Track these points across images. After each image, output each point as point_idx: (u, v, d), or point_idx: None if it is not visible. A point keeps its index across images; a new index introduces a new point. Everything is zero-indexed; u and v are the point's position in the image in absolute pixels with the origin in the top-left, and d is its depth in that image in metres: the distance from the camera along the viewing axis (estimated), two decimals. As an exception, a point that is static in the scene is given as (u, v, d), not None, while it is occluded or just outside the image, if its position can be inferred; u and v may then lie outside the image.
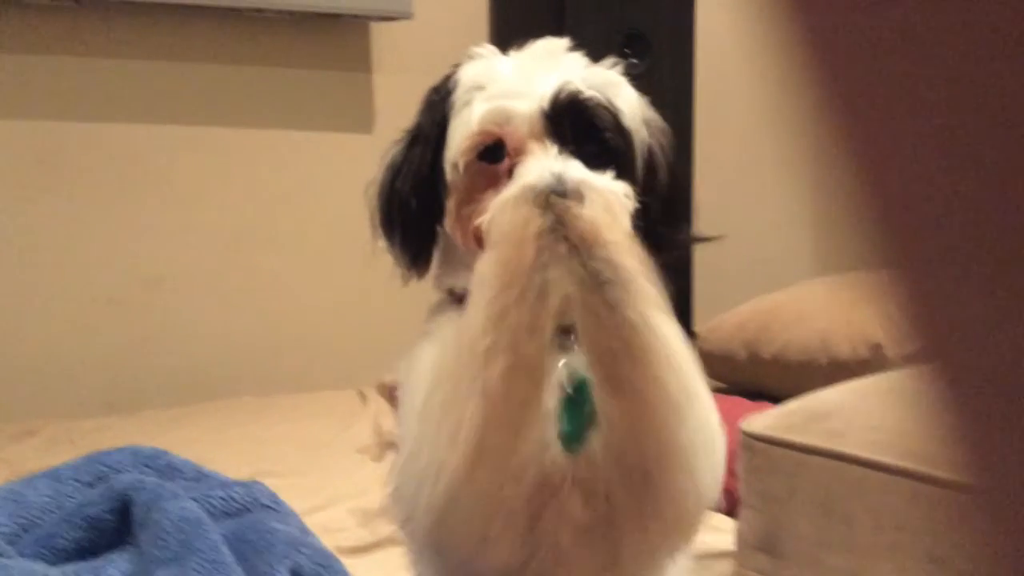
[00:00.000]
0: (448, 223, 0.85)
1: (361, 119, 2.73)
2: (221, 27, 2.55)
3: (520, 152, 0.81)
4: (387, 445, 1.90)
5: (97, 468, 1.29)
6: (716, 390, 2.47)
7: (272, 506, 1.27)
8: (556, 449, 0.77)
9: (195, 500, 1.21)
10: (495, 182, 0.81)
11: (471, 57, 0.87)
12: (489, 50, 0.88)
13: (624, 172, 0.82)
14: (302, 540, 1.20)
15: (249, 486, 1.30)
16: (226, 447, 1.81)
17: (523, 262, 0.74)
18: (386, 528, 1.48)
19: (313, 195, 2.67)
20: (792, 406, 1.17)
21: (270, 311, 2.64)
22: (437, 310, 0.90)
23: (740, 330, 2.51)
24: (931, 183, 0.21)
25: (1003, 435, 0.23)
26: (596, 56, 0.90)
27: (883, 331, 2.26)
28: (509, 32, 2.94)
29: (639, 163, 0.84)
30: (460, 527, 0.77)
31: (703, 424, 0.83)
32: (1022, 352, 0.21)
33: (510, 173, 0.80)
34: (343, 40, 2.70)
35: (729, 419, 1.32)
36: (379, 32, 2.73)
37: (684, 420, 0.79)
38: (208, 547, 1.10)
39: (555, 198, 0.75)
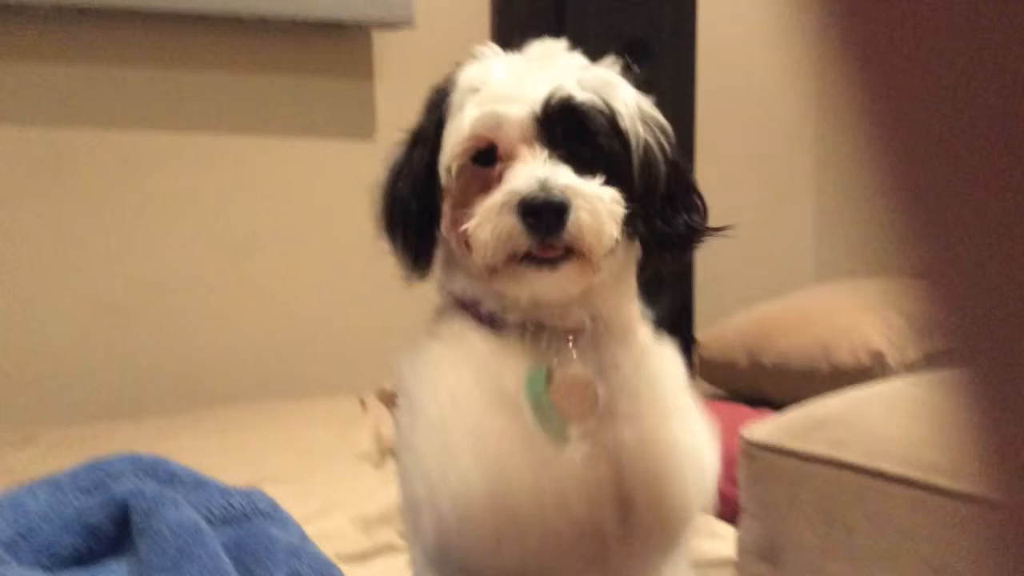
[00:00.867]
0: (444, 227, 0.85)
1: (363, 127, 2.73)
2: (224, 35, 2.55)
3: (511, 156, 0.80)
4: (387, 452, 1.89)
5: (96, 475, 1.28)
6: (717, 397, 2.48)
7: (271, 513, 1.27)
8: (561, 456, 0.79)
9: (194, 507, 1.20)
10: (488, 185, 0.80)
11: (473, 57, 0.87)
12: (491, 50, 0.87)
13: (620, 175, 0.82)
14: (301, 548, 1.19)
15: (248, 493, 1.29)
16: (225, 454, 1.81)
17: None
18: (385, 535, 1.48)
19: (315, 202, 2.68)
20: (793, 414, 1.16)
21: (271, 318, 2.64)
22: (441, 313, 0.90)
23: (741, 337, 2.51)
24: (966, 185, 0.21)
25: None
26: (596, 60, 0.89)
27: (884, 338, 2.25)
28: (511, 40, 2.94)
29: (636, 164, 0.83)
30: (474, 540, 0.77)
31: (692, 443, 0.84)
32: None
33: (501, 178, 0.80)
34: (345, 48, 2.71)
35: (730, 426, 1.32)
36: (381, 40, 2.73)
37: (675, 445, 0.82)
38: (207, 555, 1.09)
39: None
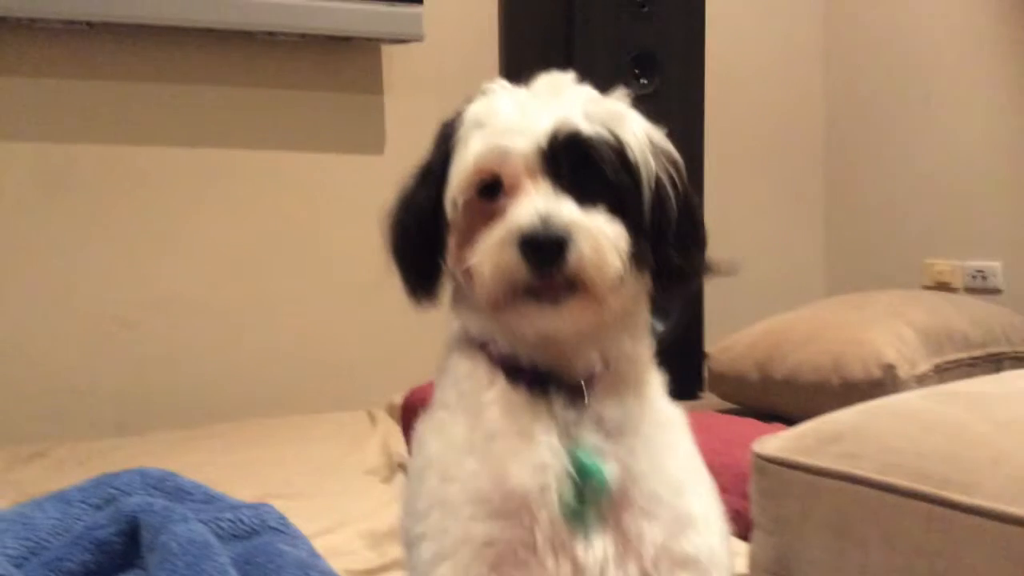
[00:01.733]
0: (450, 260, 0.84)
1: (372, 140, 2.74)
2: (233, 50, 2.56)
3: (516, 190, 0.79)
4: (396, 467, 1.89)
5: (106, 490, 1.28)
6: (728, 411, 2.47)
7: (281, 529, 1.26)
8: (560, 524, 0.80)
9: (204, 523, 1.20)
10: (493, 219, 0.79)
11: (482, 91, 0.86)
12: (499, 84, 0.86)
13: (629, 208, 0.81)
14: (311, 563, 1.19)
15: (258, 508, 1.29)
16: (235, 469, 1.80)
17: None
18: (395, 551, 1.47)
19: (324, 216, 2.68)
20: (805, 428, 1.15)
21: (280, 332, 2.64)
22: (452, 350, 0.89)
23: (752, 351, 2.50)
24: None
25: None
26: (605, 80, 0.88)
27: (896, 351, 2.24)
28: (519, 55, 2.96)
29: (646, 197, 0.82)
30: None
31: (701, 518, 0.85)
32: None
33: (505, 211, 0.79)
34: (355, 63, 2.71)
35: (742, 441, 1.31)
36: (390, 55, 2.74)
37: (684, 525, 0.82)
38: (216, 570, 1.09)
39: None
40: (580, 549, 0.80)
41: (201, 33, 2.47)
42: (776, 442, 1.14)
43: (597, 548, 0.80)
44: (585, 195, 0.79)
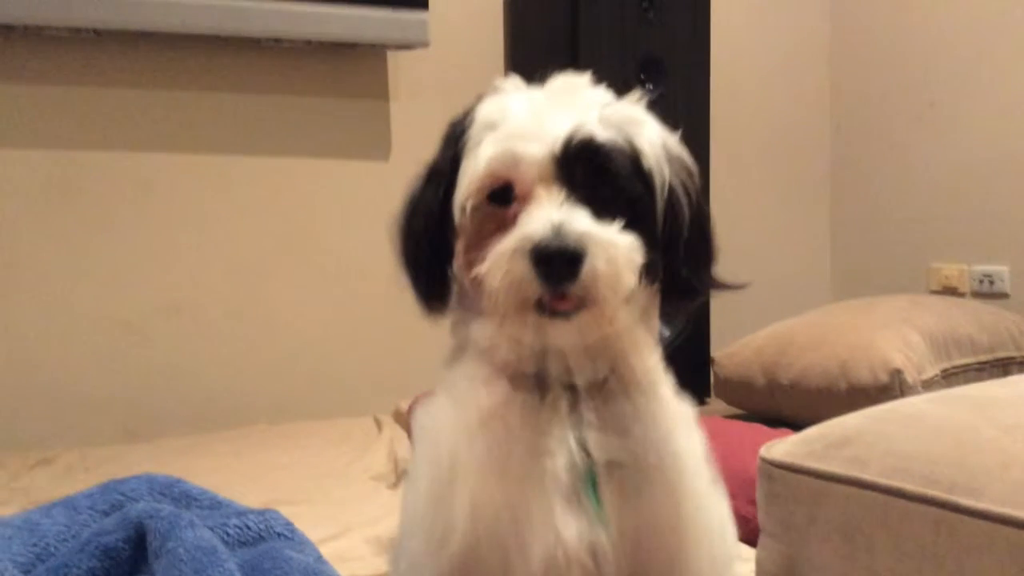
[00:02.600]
0: (457, 266, 0.81)
1: (378, 147, 2.74)
2: (239, 57, 2.57)
3: (528, 197, 0.76)
4: (403, 473, 1.89)
5: (113, 496, 1.28)
6: (734, 416, 2.46)
7: (287, 535, 1.26)
8: (566, 532, 0.78)
9: (210, 529, 1.20)
10: (503, 226, 0.76)
11: (494, 90, 0.83)
12: (512, 83, 0.84)
13: (642, 218, 0.78)
14: (317, 569, 1.18)
15: (264, 514, 1.29)
16: (241, 475, 1.81)
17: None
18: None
19: (330, 222, 2.69)
20: (812, 432, 1.15)
21: (287, 338, 2.64)
22: (453, 358, 0.86)
23: (758, 356, 2.49)
24: None
25: None
26: (615, 83, 0.85)
27: (903, 355, 2.24)
28: (525, 61, 2.96)
29: (660, 206, 0.79)
30: None
31: (710, 527, 0.84)
32: None
33: (516, 219, 0.76)
34: (361, 69, 2.72)
35: (748, 446, 1.31)
36: (396, 61, 2.74)
37: (695, 531, 0.82)
38: (223, 576, 1.09)
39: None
40: (586, 541, 0.79)
41: (208, 40, 2.48)
42: (783, 447, 1.14)
43: (603, 540, 0.79)
44: (599, 204, 0.76)
